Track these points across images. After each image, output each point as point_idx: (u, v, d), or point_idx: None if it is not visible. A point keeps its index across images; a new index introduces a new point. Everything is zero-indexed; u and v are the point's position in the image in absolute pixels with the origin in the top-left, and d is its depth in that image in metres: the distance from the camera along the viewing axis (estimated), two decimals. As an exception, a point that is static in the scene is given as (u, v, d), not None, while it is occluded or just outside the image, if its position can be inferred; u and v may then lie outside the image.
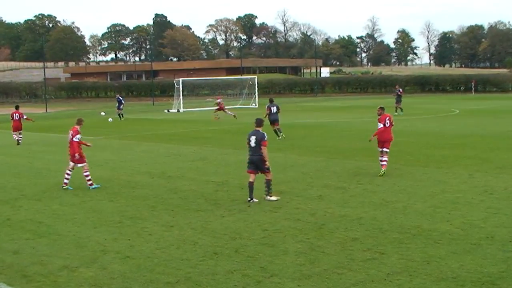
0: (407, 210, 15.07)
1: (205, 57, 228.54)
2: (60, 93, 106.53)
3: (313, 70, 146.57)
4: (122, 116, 52.00)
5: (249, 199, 16.66)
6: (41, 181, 21.06)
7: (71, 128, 19.65)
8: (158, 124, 45.65)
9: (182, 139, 34.03)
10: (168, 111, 62.69)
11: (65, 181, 19.45)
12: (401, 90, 50.30)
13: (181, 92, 65.22)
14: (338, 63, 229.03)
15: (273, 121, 32.06)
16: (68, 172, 19.50)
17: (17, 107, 35.07)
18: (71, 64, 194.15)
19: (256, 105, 67.79)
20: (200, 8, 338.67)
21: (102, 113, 58.55)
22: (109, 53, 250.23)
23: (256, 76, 78.39)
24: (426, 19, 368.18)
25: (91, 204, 17.01)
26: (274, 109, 32.12)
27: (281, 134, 32.15)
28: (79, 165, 19.42)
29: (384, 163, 20.34)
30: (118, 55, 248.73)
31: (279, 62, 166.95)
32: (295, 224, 13.95)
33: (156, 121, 48.99)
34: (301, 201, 16.43)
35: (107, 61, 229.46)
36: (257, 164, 16.59)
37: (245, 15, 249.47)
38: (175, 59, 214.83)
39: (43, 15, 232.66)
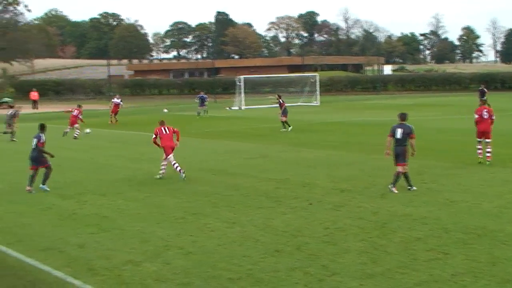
0: (472, 210, 14.79)
1: (267, 54, 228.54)
2: (124, 90, 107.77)
3: (375, 67, 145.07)
4: (206, 112, 52.30)
5: (408, 187, 17.37)
6: (105, 176, 21.43)
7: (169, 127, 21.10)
8: (220, 122, 45.92)
9: (243, 136, 34.16)
10: (230, 108, 62.99)
11: (161, 171, 20.86)
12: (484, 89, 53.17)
13: (242, 90, 65.40)
14: (400, 60, 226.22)
15: (286, 113, 36.65)
16: (165, 163, 20.86)
17: (79, 106, 36.61)
18: (135, 61, 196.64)
19: (317, 102, 67.50)
20: (261, 5, 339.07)
21: (165, 110, 59.23)
22: (172, 50, 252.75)
23: (317, 74, 78.00)
24: (492, 15, 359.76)
25: (154, 200, 17.23)
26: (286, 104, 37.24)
27: (290, 127, 36.32)
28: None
29: (488, 154, 21.53)
30: (181, 53, 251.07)
31: (341, 60, 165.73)
32: (357, 223, 13.85)
33: (218, 118, 49.29)
34: (363, 200, 16.30)
35: (169, 59, 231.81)
36: (398, 154, 17.29)
37: (307, 12, 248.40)
38: (236, 56, 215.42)
39: (107, 13, 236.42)
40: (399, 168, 17.26)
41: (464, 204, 15.41)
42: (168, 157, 20.77)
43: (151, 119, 50.10)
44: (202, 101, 52.20)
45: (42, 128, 19.61)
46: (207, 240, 12.76)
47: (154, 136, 21.12)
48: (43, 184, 19.15)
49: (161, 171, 20.84)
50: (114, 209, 16.12)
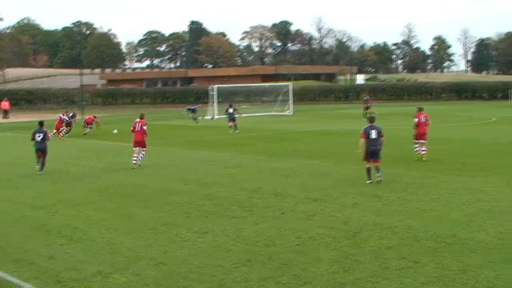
0: (442, 218, 14.91)
1: (240, 64, 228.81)
2: (97, 99, 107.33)
3: (348, 77, 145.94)
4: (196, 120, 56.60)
5: (369, 181, 19.97)
6: (77, 187, 21.26)
7: (143, 123, 25.98)
8: (193, 131, 45.83)
9: (216, 145, 34.11)
10: (203, 118, 62.85)
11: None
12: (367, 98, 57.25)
13: (215, 99, 65.36)
14: (373, 70, 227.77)
15: (232, 119, 43.78)
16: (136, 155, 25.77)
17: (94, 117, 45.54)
18: (108, 70, 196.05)
19: (291, 112, 67.66)
20: (235, 15, 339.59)
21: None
22: (145, 60, 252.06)
23: (291, 83, 78.21)
24: (463, 25, 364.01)
25: (126, 210, 17.12)
26: (230, 110, 44.17)
27: (237, 130, 42.71)
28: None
29: (424, 152, 25.19)
30: (154, 62, 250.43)
31: (314, 69, 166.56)
32: (329, 232, 13.89)
33: (191, 127, 49.17)
34: (335, 209, 16.35)
35: (143, 68, 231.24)
36: (375, 153, 20.04)
37: (280, 22, 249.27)
38: (210, 66, 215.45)
39: (80, 22, 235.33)
40: (378, 163, 20.05)
41: (434, 213, 15.53)
42: (134, 149, 25.60)
43: (124, 129, 49.92)
44: (193, 111, 57.35)
45: (43, 124, 25.48)
46: (178, 251, 12.70)
47: (132, 128, 26.03)
48: (41, 170, 24.49)
49: (133, 161, 25.38)
50: (85, 220, 15.99)
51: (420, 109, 26.52)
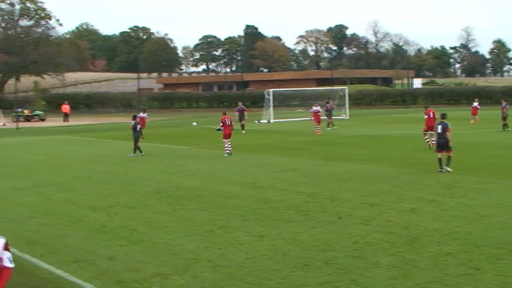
0: (504, 225, 14.60)
1: (296, 68, 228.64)
2: (153, 103, 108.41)
3: (405, 81, 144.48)
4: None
5: (439, 170, 23.04)
6: (135, 189, 21.53)
7: (229, 118, 32.07)
8: (249, 135, 45.90)
9: (272, 149, 34.12)
10: (259, 122, 63.00)
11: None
12: (330, 105, 53.51)
13: (271, 103, 65.42)
14: (430, 74, 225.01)
15: (328, 116, 51.34)
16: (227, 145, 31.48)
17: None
18: (164, 75, 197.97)
19: (346, 116, 67.23)
20: (290, 19, 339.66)
21: (194, 124, 59.41)
22: (201, 64, 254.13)
23: (346, 87, 77.78)
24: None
25: (183, 212, 17.26)
26: (328, 107, 51.83)
27: (334, 127, 49.98)
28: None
29: (433, 142, 28.72)
30: (210, 66, 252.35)
31: (370, 73, 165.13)
32: (387, 237, 13.74)
33: (247, 131, 49.23)
34: (393, 214, 16.18)
35: (198, 72, 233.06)
36: (443, 145, 23.10)
37: (336, 26, 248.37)
38: (265, 70, 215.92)
39: (137, 27, 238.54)
40: (450, 153, 23.11)
41: (495, 219, 15.22)
42: (224, 140, 31.17)
43: (180, 132, 50.44)
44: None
45: (135, 117, 34.28)
46: (235, 253, 12.74)
47: (222, 124, 31.82)
48: (134, 153, 32.09)
49: (227, 151, 31.08)
50: (143, 222, 16.18)
51: (426, 107, 33.51)
